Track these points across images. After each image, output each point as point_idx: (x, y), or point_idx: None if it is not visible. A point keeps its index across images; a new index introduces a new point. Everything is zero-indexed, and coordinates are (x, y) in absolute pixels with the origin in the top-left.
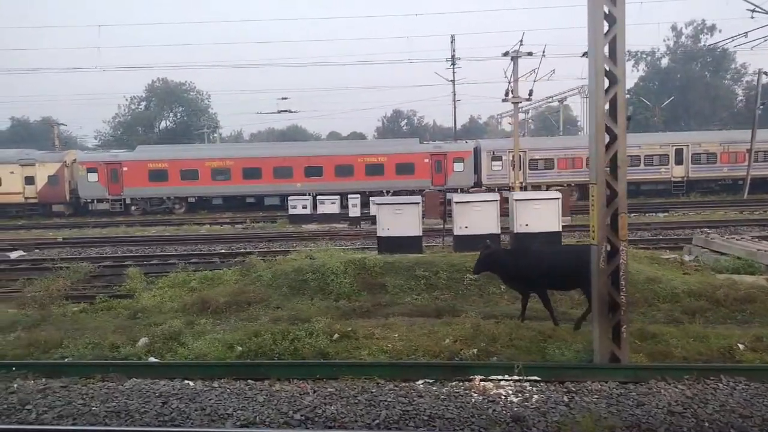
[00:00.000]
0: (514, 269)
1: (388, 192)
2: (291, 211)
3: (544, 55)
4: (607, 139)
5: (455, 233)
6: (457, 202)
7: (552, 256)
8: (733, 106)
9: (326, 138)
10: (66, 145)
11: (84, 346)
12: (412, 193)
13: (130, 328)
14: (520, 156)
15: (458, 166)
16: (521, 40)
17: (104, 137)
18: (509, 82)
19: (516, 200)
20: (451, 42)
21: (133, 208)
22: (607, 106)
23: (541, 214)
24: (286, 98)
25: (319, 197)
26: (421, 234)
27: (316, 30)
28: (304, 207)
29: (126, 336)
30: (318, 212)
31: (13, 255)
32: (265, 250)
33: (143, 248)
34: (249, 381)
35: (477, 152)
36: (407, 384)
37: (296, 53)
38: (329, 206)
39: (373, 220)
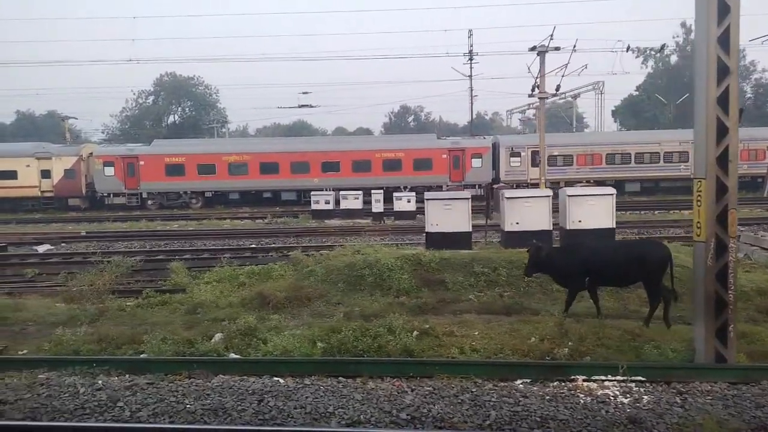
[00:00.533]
0: (567, 267)
1: (405, 188)
2: (314, 207)
3: (575, 50)
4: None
5: (505, 229)
6: (508, 198)
7: (609, 252)
8: (742, 103)
9: (332, 133)
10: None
11: (162, 342)
12: (429, 189)
13: (198, 324)
14: (539, 151)
15: (476, 162)
16: (552, 35)
17: (111, 131)
18: (536, 78)
19: (569, 196)
20: (469, 37)
21: (149, 202)
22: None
23: (594, 211)
24: (307, 92)
25: (341, 192)
26: (470, 230)
27: (324, 26)
28: (327, 202)
29: (197, 331)
30: (341, 207)
31: (41, 249)
32: (294, 245)
33: (172, 243)
34: (340, 378)
35: (495, 148)
36: (506, 384)
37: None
38: (352, 201)
39: (397, 215)
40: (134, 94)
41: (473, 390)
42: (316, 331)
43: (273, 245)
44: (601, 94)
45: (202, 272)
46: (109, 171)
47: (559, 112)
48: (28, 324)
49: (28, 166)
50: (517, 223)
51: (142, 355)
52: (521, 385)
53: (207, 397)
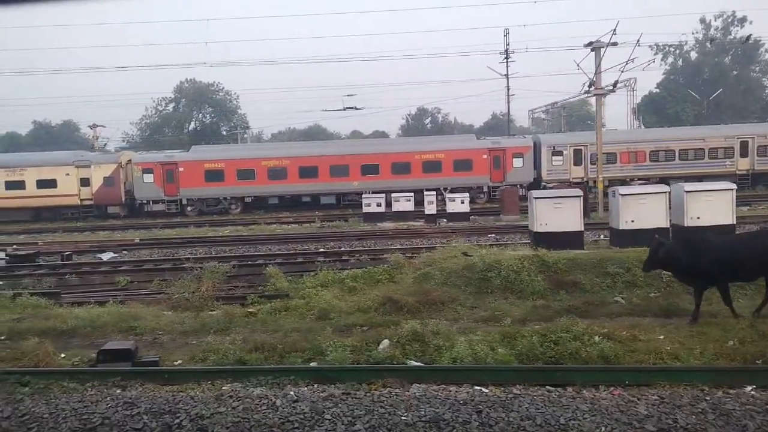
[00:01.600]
0: (691, 264)
1: (445, 189)
2: (365, 209)
3: (638, 44)
4: None
5: (618, 227)
6: (623, 195)
7: (735, 246)
8: (762, 98)
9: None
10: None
11: (333, 350)
12: (469, 190)
13: (335, 329)
14: (581, 150)
15: (517, 162)
16: (614, 30)
17: (131, 139)
18: (595, 73)
19: (687, 192)
20: (505, 35)
21: (189, 208)
22: None
23: (713, 206)
24: (351, 95)
25: (393, 195)
26: (582, 229)
27: (349, 27)
28: (379, 205)
29: (358, 338)
30: (393, 210)
31: (105, 257)
32: (360, 249)
33: (236, 248)
34: (548, 387)
35: (536, 147)
36: (735, 391)
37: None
38: (404, 204)
39: (449, 217)
40: (154, 101)
41: (706, 398)
42: (495, 336)
43: (339, 249)
44: (633, 91)
45: (297, 277)
46: (149, 178)
47: (574, 111)
48: (158, 333)
49: (67, 174)
50: (632, 221)
51: (312, 364)
52: (754, 392)
53: (418, 408)
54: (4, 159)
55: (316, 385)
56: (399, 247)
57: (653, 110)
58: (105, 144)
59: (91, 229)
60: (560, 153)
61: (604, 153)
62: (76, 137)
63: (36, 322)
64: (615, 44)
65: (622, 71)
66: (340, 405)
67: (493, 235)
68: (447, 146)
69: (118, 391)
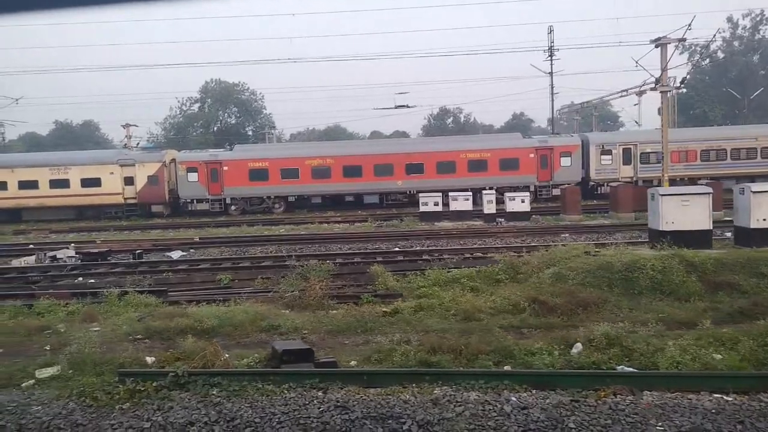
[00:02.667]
0: None
1: (491, 188)
2: (422, 208)
3: (713, 41)
4: None
5: (750, 226)
6: (754, 192)
7: None
8: None
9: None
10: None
11: (525, 354)
12: (516, 189)
13: (506, 332)
14: (630, 149)
15: (565, 161)
16: (689, 25)
17: (155, 138)
18: (662, 70)
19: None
20: (549, 33)
21: (232, 207)
22: None
23: None
24: (404, 93)
25: (451, 194)
26: (711, 228)
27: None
28: (436, 204)
29: (544, 341)
30: (450, 209)
31: (175, 255)
32: (433, 248)
33: (306, 246)
34: None
35: (584, 146)
36: None
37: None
38: (462, 203)
39: (507, 217)
40: (178, 101)
41: None
42: (706, 341)
43: (415, 248)
44: (675, 90)
45: (406, 276)
46: (193, 177)
47: (593, 111)
48: (303, 332)
49: (111, 173)
50: (764, 220)
51: (506, 368)
52: None
53: (670, 418)
54: (48, 158)
55: (534, 391)
56: (476, 246)
57: (680, 109)
58: (138, 143)
59: (140, 228)
60: (609, 152)
61: (654, 152)
62: (96, 137)
63: (163, 321)
64: (684, 40)
65: (692, 68)
66: (577, 413)
67: (567, 234)
68: (493, 145)
69: (320, 393)
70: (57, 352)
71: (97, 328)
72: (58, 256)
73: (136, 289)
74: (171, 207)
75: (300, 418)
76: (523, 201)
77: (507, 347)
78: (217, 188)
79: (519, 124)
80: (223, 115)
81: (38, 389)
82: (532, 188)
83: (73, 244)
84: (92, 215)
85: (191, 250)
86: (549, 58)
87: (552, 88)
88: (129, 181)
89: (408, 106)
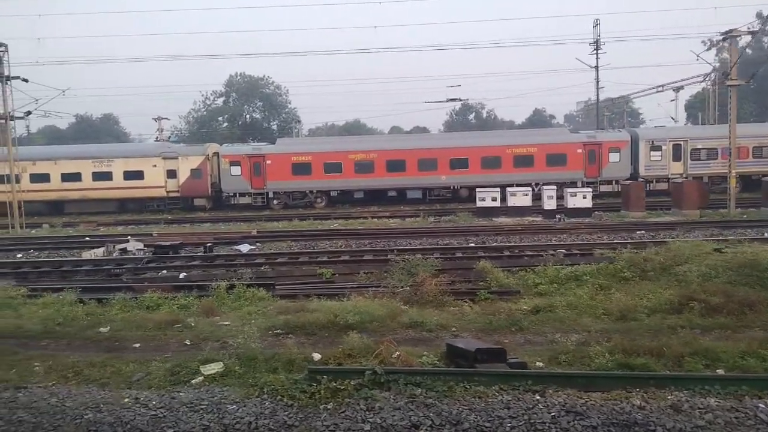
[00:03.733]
0: None
1: (537, 184)
2: (479, 204)
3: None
4: None
5: None
6: None
7: None
8: None
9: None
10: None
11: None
12: (562, 185)
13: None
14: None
15: (614, 157)
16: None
17: (179, 132)
18: (731, 64)
19: None
20: (594, 26)
21: (275, 202)
22: None
23: None
24: (456, 85)
25: (509, 189)
26: None
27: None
28: (494, 199)
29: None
30: (508, 204)
31: (244, 249)
32: (510, 244)
33: (376, 241)
34: None
35: (633, 142)
36: None
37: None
38: (521, 198)
39: (568, 213)
40: (202, 95)
41: None
42: None
43: (490, 244)
44: (716, 86)
45: (514, 272)
46: (236, 170)
47: (614, 108)
48: (452, 329)
49: (154, 166)
50: None
51: (718, 371)
52: None
53: None
54: (91, 150)
55: None
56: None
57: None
58: (169, 137)
59: (185, 221)
60: (659, 148)
61: (705, 149)
62: (116, 131)
63: (295, 316)
64: (755, 33)
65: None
66: None
67: (642, 232)
68: (540, 140)
69: (537, 396)
70: (200, 347)
71: (226, 323)
72: (128, 249)
73: (245, 282)
74: (212, 201)
75: (534, 424)
76: (584, 197)
77: (709, 349)
78: (259, 182)
79: (540, 120)
80: (248, 109)
81: (213, 386)
82: (579, 184)
83: (130, 237)
84: (134, 208)
85: (257, 244)
86: (594, 51)
87: (597, 82)
88: (172, 174)
89: (460, 99)
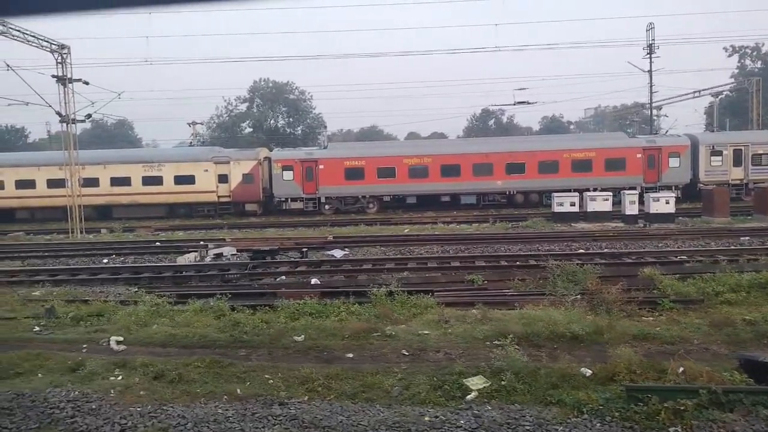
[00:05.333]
0: None
1: (595, 189)
2: (556, 209)
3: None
4: None
5: None
6: None
7: None
8: None
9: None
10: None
11: None
12: (621, 190)
13: None
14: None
15: (674, 162)
16: None
17: (201, 137)
18: None
19: None
20: (647, 30)
21: (326, 207)
22: None
23: None
24: (523, 89)
25: (588, 194)
26: None
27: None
28: (572, 204)
29: None
30: (587, 210)
31: (338, 254)
32: (618, 250)
33: (472, 247)
34: None
35: (693, 146)
36: None
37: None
38: (601, 203)
39: (648, 218)
40: (225, 100)
41: None
42: None
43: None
44: (758, 91)
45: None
46: (288, 175)
47: (627, 116)
48: (694, 341)
49: (206, 170)
50: None
51: None
52: None
53: None
54: (141, 154)
55: None
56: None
57: (731, 112)
58: (202, 141)
59: (243, 226)
60: (719, 153)
61: (765, 154)
62: (130, 136)
63: (487, 326)
64: None
65: None
66: None
67: (747, 238)
68: (598, 144)
69: None
70: (422, 357)
71: (425, 331)
72: (223, 254)
73: (403, 289)
74: (263, 206)
75: None
76: (667, 202)
77: None
78: (311, 187)
79: (557, 126)
80: (273, 115)
81: (498, 402)
82: (638, 189)
83: (202, 242)
84: (184, 213)
85: (346, 250)
86: (648, 55)
87: (651, 86)
88: (223, 178)
89: (528, 103)
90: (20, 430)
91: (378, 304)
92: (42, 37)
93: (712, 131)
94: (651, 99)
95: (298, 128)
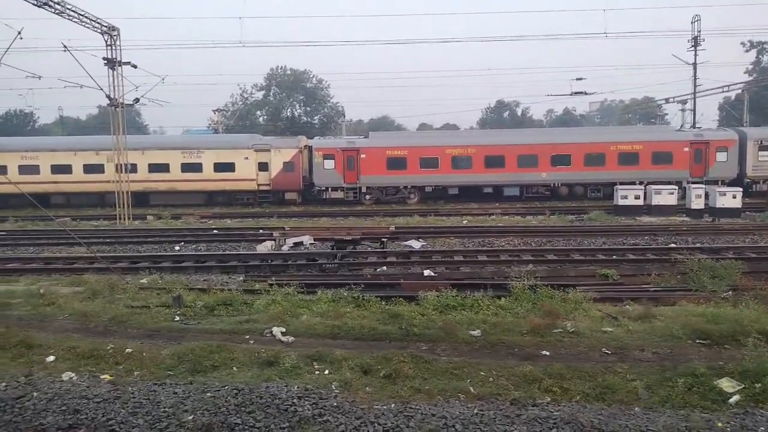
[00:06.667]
0: None
1: (641, 183)
2: (621, 202)
3: None
4: None
5: None
6: None
7: None
8: None
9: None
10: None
11: None
12: (668, 184)
13: None
14: None
15: (721, 156)
16: None
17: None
18: None
19: None
20: (692, 22)
21: (367, 197)
22: None
23: None
24: (581, 78)
25: (653, 187)
26: None
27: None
28: (637, 197)
29: None
30: (651, 203)
31: (416, 245)
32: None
33: (555, 240)
34: None
35: (741, 141)
36: None
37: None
38: (666, 197)
39: (712, 212)
40: (240, 88)
41: None
42: None
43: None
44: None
45: None
46: (329, 164)
47: (638, 109)
48: None
49: (246, 158)
50: None
51: None
52: None
53: None
54: (180, 140)
55: None
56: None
57: (750, 108)
58: (226, 128)
59: (286, 215)
60: (767, 148)
61: None
62: (137, 123)
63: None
64: None
65: None
66: None
67: None
68: (645, 137)
69: None
70: (627, 357)
71: (608, 329)
72: (303, 243)
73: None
74: (302, 195)
75: None
76: (734, 196)
77: None
78: (352, 176)
79: (570, 119)
80: (290, 103)
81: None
82: (684, 184)
83: (260, 230)
84: (222, 201)
85: (421, 240)
86: (693, 47)
87: (695, 79)
88: (263, 166)
89: (586, 93)
90: (270, 430)
91: (525, 298)
92: (95, 18)
93: (741, 125)
94: (695, 92)
95: (315, 117)
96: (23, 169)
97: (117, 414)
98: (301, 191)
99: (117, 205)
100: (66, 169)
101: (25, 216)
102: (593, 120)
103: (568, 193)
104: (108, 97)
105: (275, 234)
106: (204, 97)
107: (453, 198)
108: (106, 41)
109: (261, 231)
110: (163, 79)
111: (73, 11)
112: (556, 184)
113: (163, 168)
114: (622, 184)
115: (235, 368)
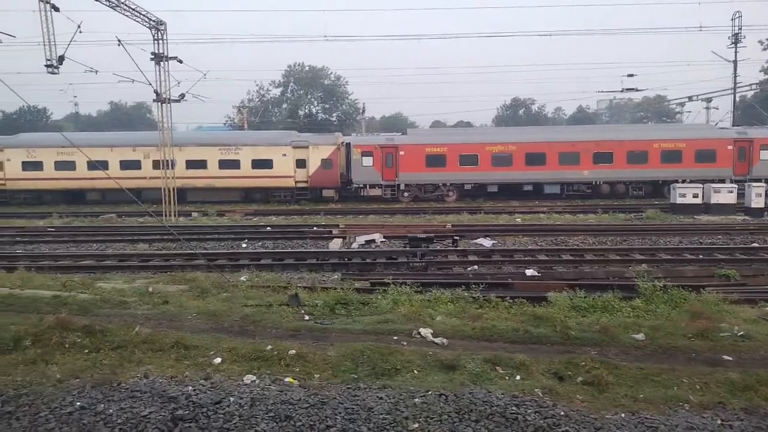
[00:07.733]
0: None
1: (683, 181)
2: (679, 200)
3: None
4: None
5: None
6: None
7: None
8: None
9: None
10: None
11: None
12: (711, 182)
13: None
14: None
15: (765, 154)
16: None
17: (232, 122)
18: None
19: None
20: (732, 19)
21: (405, 194)
22: None
23: None
24: (632, 75)
25: (713, 186)
26: None
27: None
28: (695, 196)
29: None
30: (710, 202)
31: (487, 244)
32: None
33: (630, 239)
34: None
35: None
36: None
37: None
38: (725, 195)
39: None
40: (257, 84)
41: None
42: None
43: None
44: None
45: None
46: (368, 161)
47: (650, 106)
48: None
49: (284, 155)
50: None
51: None
52: None
53: None
54: (218, 137)
55: None
56: None
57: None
58: (230, 126)
59: (335, 212)
60: None
61: None
62: (148, 119)
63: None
64: None
65: None
66: None
67: None
68: (689, 135)
69: None
70: None
71: None
72: (375, 241)
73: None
74: (339, 192)
75: None
76: None
77: None
78: (391, 174)
79: (586, 117)
80: (309, 100)
81: None
82: (727, 182)
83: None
84: (260, 198)
85: (489, 238)
86: (733, 44)
87: (735, 77)
88: (301, 163)
89: (637, 89)
90: None
91: (658, 300)
92: (145, 12)
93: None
94: (735, 90)
95: (334, 114)
96: (59, 165)
97: (334, 421)
98: (338, 188)
99: (164, 202)
100: (102, 165)
101: (66, 212)
102: (602, 118)
103: (610, 191)
104: (155, 92)
105: (335, 231)
106: (220, 93)
107: (491, 196)
108: (154, 36)
109: (315, 228)
110: (205, 74)
111: (126, 5)
112: (598, 182)
113: (201, 164)
114: (664, 182)
115: (415, 371)
